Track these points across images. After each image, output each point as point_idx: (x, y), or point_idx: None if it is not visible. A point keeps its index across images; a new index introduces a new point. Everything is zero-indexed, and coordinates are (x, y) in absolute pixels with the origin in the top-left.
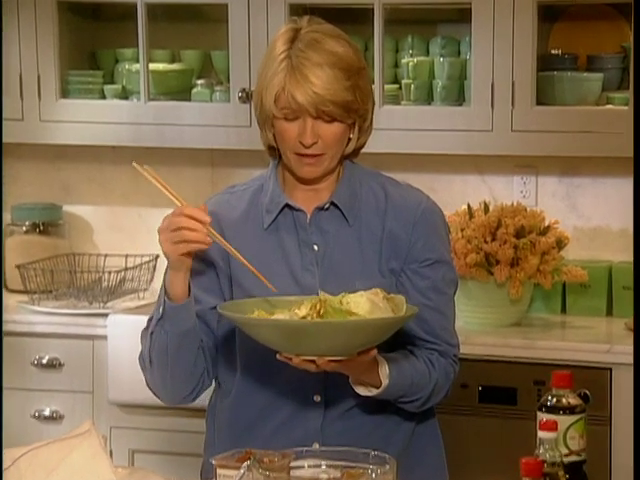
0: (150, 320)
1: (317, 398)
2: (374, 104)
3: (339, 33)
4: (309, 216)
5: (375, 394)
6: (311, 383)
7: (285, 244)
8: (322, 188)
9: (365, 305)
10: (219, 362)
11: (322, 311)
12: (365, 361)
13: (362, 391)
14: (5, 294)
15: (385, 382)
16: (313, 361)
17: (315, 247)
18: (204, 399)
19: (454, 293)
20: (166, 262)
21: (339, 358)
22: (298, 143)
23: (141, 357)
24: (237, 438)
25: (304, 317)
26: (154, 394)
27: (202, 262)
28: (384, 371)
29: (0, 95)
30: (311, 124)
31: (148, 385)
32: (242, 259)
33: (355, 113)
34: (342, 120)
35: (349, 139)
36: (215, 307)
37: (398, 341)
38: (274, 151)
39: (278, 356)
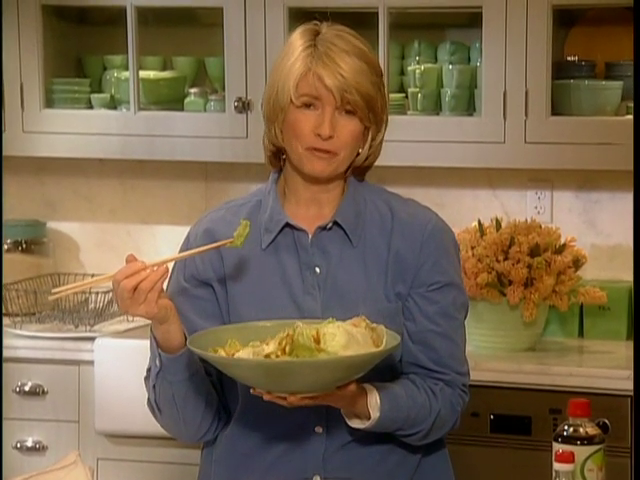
0: (149, 370)
1: (319, 429)
2: (387, 123)
3: (361, 38)
4: (311, 236)
5: (367, 426)
6: (313, 414)
7: (285, 266)
8: (325, 204)
9: (341, 339)
10: None
11: (288, 348)
12: (346, 395)
13: (356, 423)
14: None
15: (376, 415)
16: (285, 397)
17: (317, 269)
18: None
19: (464, 318)
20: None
21: (312, 395)
22: (313, 136)
23: (149, 404)
24: (235, 469)
25: (268, 355)
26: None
27: (201, 288)
28: (374, 403)
29: (0, 104)
30: (330, 115)
31: (163, 428)
32: (173, 258)
33: (374, 115)
34: (361, 117)
35: (358, 153)
36: None
37: (403, 369)
38: (277, 160)
39: (252, 391)
